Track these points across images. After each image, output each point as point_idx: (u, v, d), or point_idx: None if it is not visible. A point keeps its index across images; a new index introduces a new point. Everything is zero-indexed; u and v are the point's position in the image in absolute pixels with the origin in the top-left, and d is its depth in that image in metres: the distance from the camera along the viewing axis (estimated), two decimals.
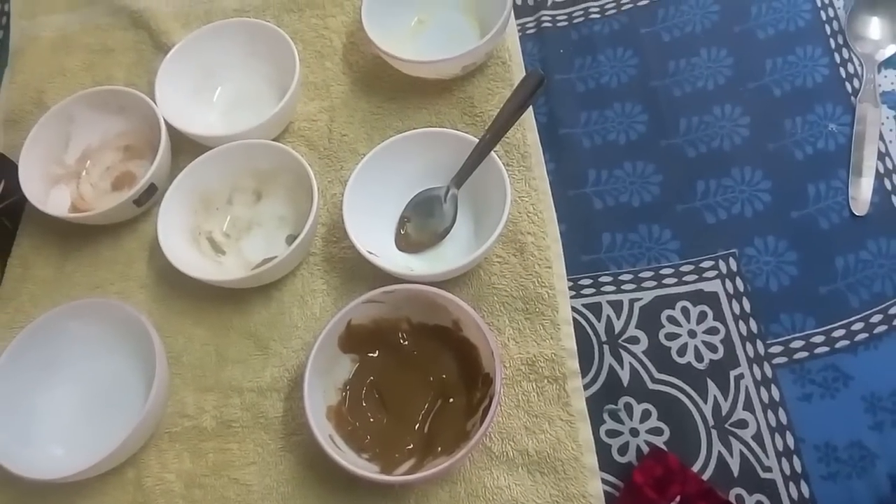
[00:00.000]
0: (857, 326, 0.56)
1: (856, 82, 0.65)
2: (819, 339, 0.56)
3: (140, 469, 0.58)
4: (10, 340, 0.60)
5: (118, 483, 0.58)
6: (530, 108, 0.67)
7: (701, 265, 0.60)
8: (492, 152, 0.61)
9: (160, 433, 0.60)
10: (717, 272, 0.60)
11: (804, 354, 0.56)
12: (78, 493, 0.57)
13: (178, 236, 0.64)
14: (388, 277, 0.59)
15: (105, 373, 0.61)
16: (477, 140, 0.62)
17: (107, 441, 0.55)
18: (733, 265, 0.60)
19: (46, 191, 0.69)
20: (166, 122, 0.68)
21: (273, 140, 0.70)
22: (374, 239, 0.62)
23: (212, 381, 0.61)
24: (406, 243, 0.64)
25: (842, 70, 0.66)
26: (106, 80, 0.78)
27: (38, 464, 0.55)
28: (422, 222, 0.64)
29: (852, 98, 0.65)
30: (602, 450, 0.55)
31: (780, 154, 0.63)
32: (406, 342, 0.59)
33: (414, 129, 0.66)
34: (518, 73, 0.71)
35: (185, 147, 0.70)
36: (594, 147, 0.67)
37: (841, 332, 0.56)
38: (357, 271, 0.63)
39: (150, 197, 0.67)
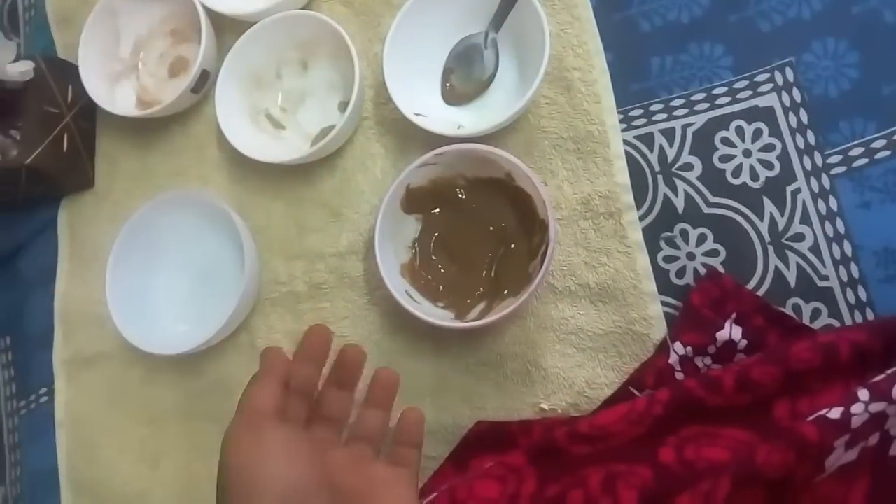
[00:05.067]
0: None
1: None
2: (880, 143, 0.55)
3: (251, 333, 0.67)
4: (114, 234, 0.68)
5: (235, 347, 0.67)
6: None
7: (756, 79, 0.58)
8: None
9: (262, 300, 0.67)
10: (772, 85, 0.58)
11: (864, 161, 0.55)
12: (204, 360, 0.67)
13: (238, 119, 0.67)
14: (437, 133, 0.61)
15: (202, 255, 0.68)
16: None
17: (216, 314, 0.62)
18: (790, 75, 0.57)
19: (111, 89, 0.73)
20: (203, 5, 0.68)
21: (310, 3, 0.70)
22: (420, 97, 0.63)
23: (297, 250, 0.67)
24: (453, 96, 0.65)
25: None
26: None
27: (164, 341, 0.64)
28: (465, 72, 0.64)
29: None
30: (660, 275, 0.58)
31: None
32: (464, 196, 0.62)
33: None
34: None
35: (228, 26, 0.71)
36: None
37: None
38: (410, 130, 0.64)
39: (204, 83, 0.70)
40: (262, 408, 0.45)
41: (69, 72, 0.73)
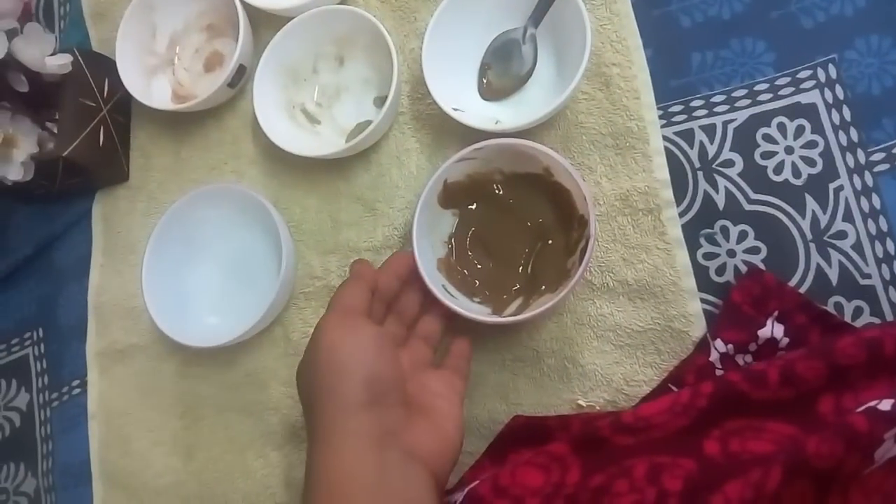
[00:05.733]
0: None
1: None
2: None
3: (286, 326, 0.67)
4: (150, 227, 0.68)
5: (270, 340, 0.67)
6: None
7: (798, 76, 0.58)
8: None
9: (296, 294, 0.67)
10: (815, 82, 0.57)
11: None
12: (239, 352, 0.67)
13: (274, 114, 0.67)
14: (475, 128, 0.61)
15: (237, 248, 0.69)
16: None
17: (251, 307, 0.63)
18: (833, 72, 0.57)
19: (147, 83, 0.73)
20: (240, 0, 0.69)
21: None
22: (458, 92, 0.63)
23: (332, 245, 0.67)
24: (489, 91, 0.65)
25: None
26: None
27: (199, 333, 0.65)
28: (503, 67, 0.64)
29: None
30: (700, 272, 0.57)
31: None
32: (501, 192, 0.61)
33: None
34: None
35: (263, 20, 0.71)
36: None
37: None
38: (446, 126, 0.65)
39: (241, 78, 0.70)
40: (354, 305, 0.51)
41: (105, 66, 0.73)
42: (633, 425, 0.48)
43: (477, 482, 0.49)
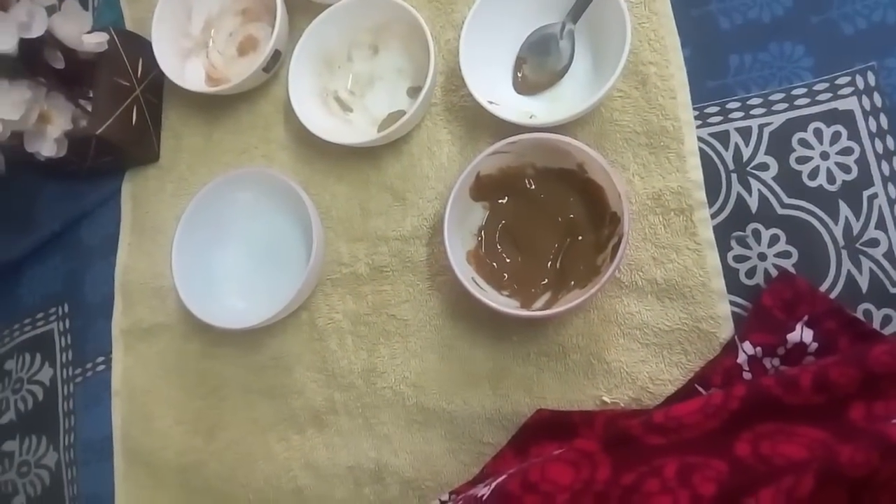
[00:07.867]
0: None
1: None
2: None
3: (312, 312, 0.67)
4: (179, 208, 0.69)
5: (296, 325, 0.67)
6: None
7: (836, 82, 0.58)
8: None
9: (323, 280, 0.68)
10: (853, 88, 0.57)
11: None
12: (264, 335, 0.68)
13: (308, 101, 0.68)
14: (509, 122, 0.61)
15: (266, 232, 0.69)
16: None
17: (278, 292, 0.63)
18: (871, 79, 0.57)
19: (181, 65, 0.74)
20: None
21: None
22: (493, 85, 0.63)
23: (360, 232, 0.68)
24: (524, 86, 0.65)
25: None
26: None
27: (226, 315, 0.65)
28: (539, 62, 0.64)
29: None
30: (729, 274, 0.57)
31: None
32: (533, 187, 0.62)
33: None
34: None
35: (298, 6, 0.71)
36: None
37: None
38: (479, 118, 0.65)
39: (276, 63, 0.70)
40: None
41: (140, 45, 0.74)
42: (664, 425, 0.48)
43: (504, 476, 0.50)
